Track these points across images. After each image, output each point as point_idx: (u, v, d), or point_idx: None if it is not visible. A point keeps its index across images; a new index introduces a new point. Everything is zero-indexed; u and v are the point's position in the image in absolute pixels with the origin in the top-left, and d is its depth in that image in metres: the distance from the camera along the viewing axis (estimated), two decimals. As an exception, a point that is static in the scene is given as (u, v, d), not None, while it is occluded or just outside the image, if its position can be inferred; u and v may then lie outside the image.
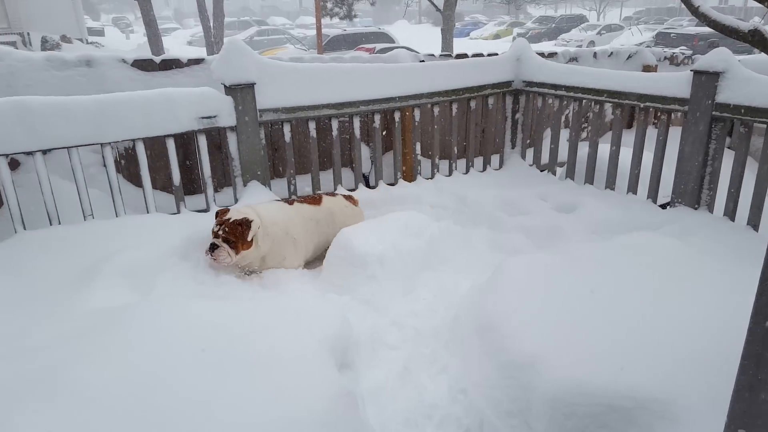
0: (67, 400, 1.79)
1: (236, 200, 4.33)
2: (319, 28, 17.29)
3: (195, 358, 2.11)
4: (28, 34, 16.91)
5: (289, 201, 3.81)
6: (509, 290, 2.79)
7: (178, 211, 4.09)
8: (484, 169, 5.45)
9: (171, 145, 3.92)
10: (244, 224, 3.31)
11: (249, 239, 3.32)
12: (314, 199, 3.93)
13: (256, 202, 4.27)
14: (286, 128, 4.41)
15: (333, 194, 4.07)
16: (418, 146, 5.06)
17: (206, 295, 3.17)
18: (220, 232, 3.30)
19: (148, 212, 3.95)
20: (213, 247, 3.30)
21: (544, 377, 2.15)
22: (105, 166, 3.81)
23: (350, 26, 29.94)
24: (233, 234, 3.28)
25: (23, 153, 3.42)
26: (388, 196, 4.78)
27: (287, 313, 2.60)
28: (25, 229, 3.53)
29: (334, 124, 4.59)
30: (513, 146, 5.56)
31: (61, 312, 2.78)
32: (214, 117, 3.96)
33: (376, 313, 3.25)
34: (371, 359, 2.86)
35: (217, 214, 3.43)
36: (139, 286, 3.10)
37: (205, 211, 4.18)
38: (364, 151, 5.55)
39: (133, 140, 3.75)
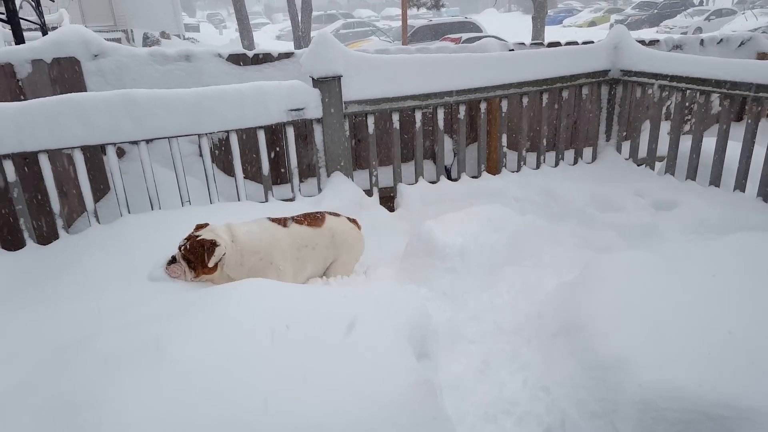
0: (168, 369, 1.96)
1: (320, 190, 4.49)
2: (404, 19, 17.36)
3: (281, 338, 2.24)
4: (131, 30, 18.20)
5: (285, 221, 3.37)
6: (600, 289, 2.72)
7: (266, 200, 4.29)
8: (575, 162, 5.31)
9: (261, 136, 4.12)
10: (208, 248, 2.98)
11: (210, 265, 2.99)
12: (315, 220, 3.47)
13: (338, 194, 4.42)
14: (370, 120, 4.50)
15: (337, 215, 3.63)
16: (504, 138, 5.01)
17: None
18: (182, 248, 3.02)
19: (239, 200, 4.17)
20: (172, 260, 3.06)
21: (633, 379, 2.10)
22: (201, 155, 4.08)
23: (436, 16, 29.82)
24: (193, 254, 2.99)
25: (129, 142, 3.72)
26: (470, 189, 4.77)
27: (368, 300, 2.68)
28: (129, 212, 3.85)
29: (418, 115, 4.63)
30: (608, 139, 5.36)
31: (161, 289, 3.03)
32: (302, 109, 4.12)
33: (455, 305, 3.27)
34: (449, 351, 2.90)
35: (196, 227, 3.14)
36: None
37: (291, 200, 4.37)
38: (447, 143, 5.56)
39: (227, 131, 3.98)
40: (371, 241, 4.29)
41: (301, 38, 19.54)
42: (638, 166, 5.15)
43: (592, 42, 5.74)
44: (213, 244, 2.97)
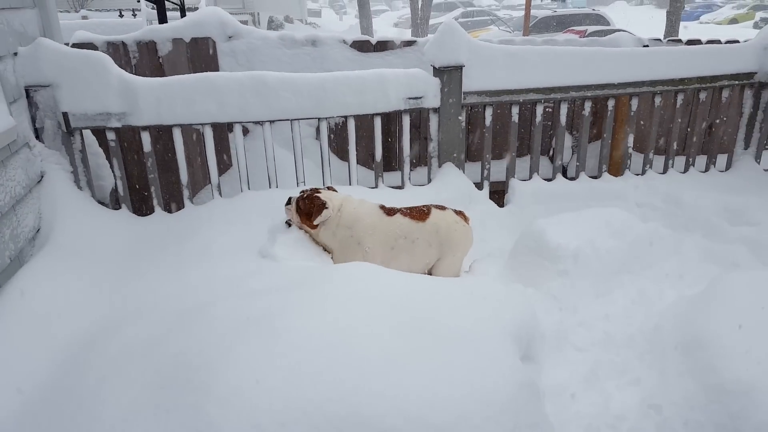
0: (281, 341, 2.06)
1: (429, 180, 4.51)
2: (528, 9, 16.89)
3: (385, 322, 2.28)
4: (258, 14, 19.13)
5: (393, 211, 3.40)
6: (727, 307, 2.53)
7: (376, 186, 4.38)
8: (707, 169, 4.93)
9: (378, 123, 4.20)
10: (318, 207, 3.24)
11: (315, 222, 3.25)
12: (420, 213, 3.42)
13: (447, 185, 4.41)
14: (488, 112, 4.44)
15: (443, 208, 3.54)
16: (630, 138, 4.75)
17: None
18: (299, 198, 3.32)
19: (350, 184, 4.29)
20: (288, 201, 3.39)
21: (760, 408, 1.94)
22: (318, 139, 4.23)
23: (561, 7, 28.69)
24: (304, 207, 3.28)
25: (255, 122, 3.93)
26: (588, 190, 4.58)
27: (473, 295, 2.66)
28: (249, 188, 4.08)
29: (539, 109, 4.51)
30: (746, 147, 4.93)
31: (273, 266, 3.20)
32: (420, 98, 4.15)
33: (564, 310, 3.17)
34: (555, 357, 2.82)
35: (326, 188, 3.51)
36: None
37: (400, 188, 4.42)
38: (567, 141, 5.37)
39: (345, 117, 4.09)
40: (477, 236, 4.24)
41: (420, 25, 19.60)
42: (779, 179, 4.71)
43: (737, 41, 5.28)
44: (322, 206, 3.23)
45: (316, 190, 3.35)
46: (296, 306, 2.38)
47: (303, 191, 3.35)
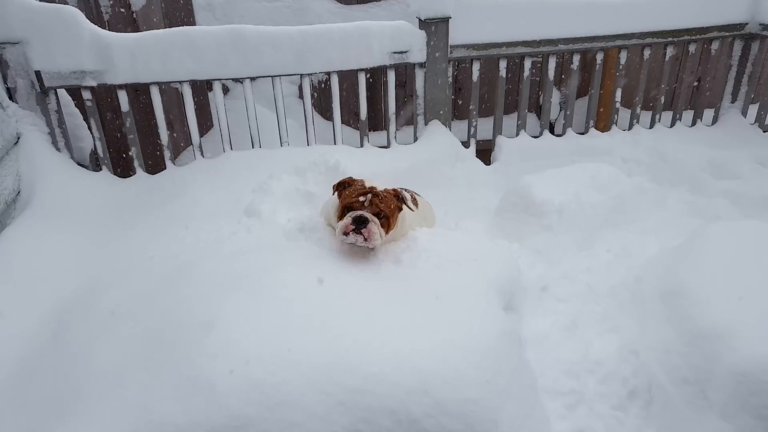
0: (268, 295, 2.16)
1: (416, 139, 4.57)
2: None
3: (370, 279, 2.39)
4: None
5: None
6: (707, 256, 2.65)
7: (362, 145, 4.44)
8: (694, 123, 5.03)
9: (362, 79, 4.23)
10: (400, 198, 2.62)
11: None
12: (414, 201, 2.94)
13: (434, 143, 4.47)
14: (475, 66, 4.48)
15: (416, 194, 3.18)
16: (618, 93, 4.82)
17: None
18: (369, 203, 2.49)
19: (335, 143, 4.34)
20: (362, 222, 2.42)
21: (733, 349, 2.08)
22: (301, 97, 4.26)
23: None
24: (387, 206, 2.52)
25: (234, 79, 3.95)
26: (575, 146, 4.67)
27: (459, 250, 2.77)
28: (232, 149, 4.13)
29: (527, 63, 4.54)
30: (733, 100, 5.02)
31: (257, 224, 3.27)
32: (405, 52, 4.17)
33: (548, 264, 3.30)
34: (537, 308, 2.95)
35: (342, 184, 2.68)
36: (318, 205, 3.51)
37: (386, 147, 4.48)
38: (554, 97, 5.44)
39: (329, 73, 4.11)
40: (464, 194, 4.35)
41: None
42: (765, 132, 4.83)
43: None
44: (399, 192, 2.63)
45: (369, 189, 2.58)
46: (283, 263, 2.47)
47: (352, 200, 2.52)
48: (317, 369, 1.84)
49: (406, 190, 3.07)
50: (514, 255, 3.17)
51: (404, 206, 2.64)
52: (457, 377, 1.91)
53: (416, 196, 3.14)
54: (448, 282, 2.44)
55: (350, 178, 2.70)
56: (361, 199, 2.50)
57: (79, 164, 3.89)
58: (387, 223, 2.52)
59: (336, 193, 2.70)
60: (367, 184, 2.60)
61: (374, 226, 2.44)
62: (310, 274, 2.32)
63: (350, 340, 1.97)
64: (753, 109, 5.02)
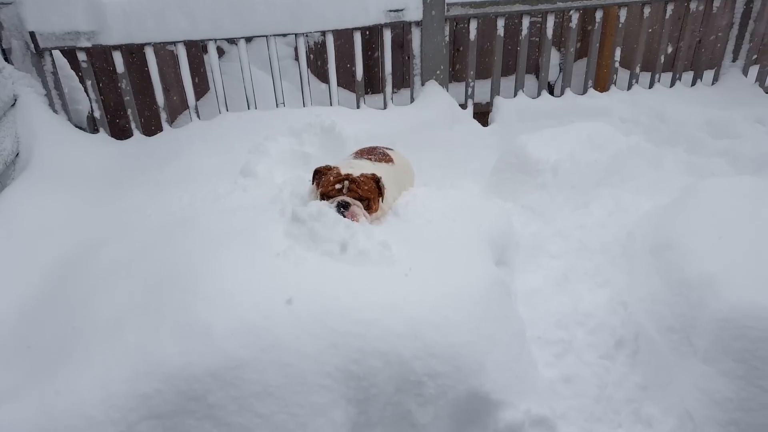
0: (263, 247, 2.22)
1: (412, 100, 4.58)
2: None
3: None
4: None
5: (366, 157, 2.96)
6: (697, 210, 2.70)
7: (358, 107, 4.46)
8: (694, 84, 5.03)
9: (357, 38, 4.22)
10: (378, 181, 2.61)
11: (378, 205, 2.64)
12: (385, 156, 3.02)
13: (430, 104, 4.49)
14: (473, 25, 4.46)
15: (387, 148, 3.17)
16: (617, 52, 4.80)
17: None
18: (346, 189, 2.51)
19: (331, 104, 4.37)
20: (344, 206, 2.47)
21: (717, 297, 2.14)
22: (297, 59, 4.27)
23: None
24: (369, 191, 2.54)
25: (229, 40, 3.96)
26: (574, 106, 4.68)
27: (453, 207, 2.83)
28: (227, 110, 4.16)
29: (525, 22, 4.52)
30: (734, 59, 5.01)
31: (253, 183, 3.33)
32: (401, 10, 4.16)
33: (542, 221, 3.35)
34: (529, 263, 3.02)
35: (318, 173, 2.71)
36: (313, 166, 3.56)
37: (383, 109, 4.50)
38: (553, 58, 5.42)
39: (324, 32, 4.11)
40: (460, 156, 4.38)
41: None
42: (766, 92, 4.82)
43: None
44: (379, 178, 2.62)
45: (346, 175, 2.57)
46: (277, 218, 2.53)
47: (336, 189, 2.53)
48: (310, 314, 1.91)
49: (383, 148, 3.14)
50: (507, 211, 3.22)
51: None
52: (445, 323, 1.98)
53: (389, 152, 3.11)
54: (441, 235, 2.50)
55: (326, 166, 2.70)
56: (338, 186, 2.52)
57: (76, 127, 3.93)
58: (368, 205, 2.55)
59: (314, 182, 2.72)
60: (343, 171, 2.59)
61: (356, 208, 2.49)
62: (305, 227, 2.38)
63: (343, 289, 2.04)
64: (754, 70, 5.01)
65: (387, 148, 3.19)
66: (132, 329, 1.89)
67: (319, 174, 2.69)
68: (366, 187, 2.53)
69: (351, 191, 2.50)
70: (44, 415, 1.65)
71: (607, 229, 3.24)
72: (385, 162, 2.96)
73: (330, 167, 2.68)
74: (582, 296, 2.76)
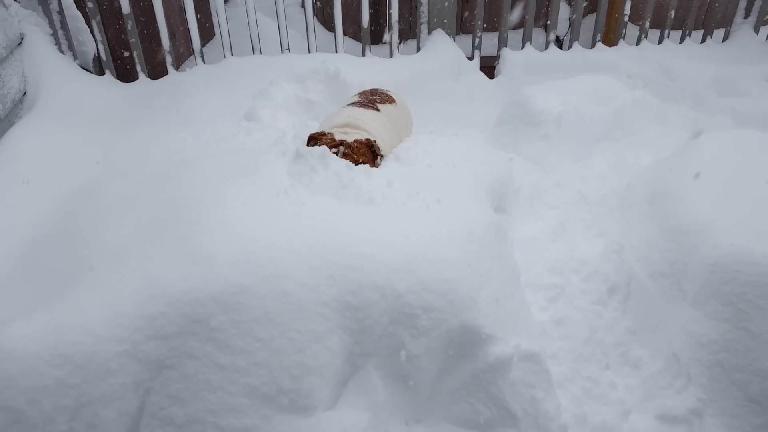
0: (265, 184, 2.26)
1: (418, 49, 4.56)
2: None
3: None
4: None
5: (369, 103, 2.93)
6: (695, 161, 2.72)
7: (364, 55, 4.44)
8: (704, 40, 4.97)
9: (364, -16, 4.18)
10: (371, 145, 2.61)
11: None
12: (387, 97, 3.03)
13: (437, 53, 4.46)
14: (481, -25, 4.41)
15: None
16: (627, 5, 4.74)
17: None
18: (342, 155, 2.50)
19: (336, 52, 4.35)
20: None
21: (708, 242, 2.19)
22: (303, 6, 4.23)
23: None
24: (361, 156, 2.54)
25: (235, -17, 3.93)
26: (581, 60, 4.65)
27: (453, 153, 2.86)
28: (232, 55, 4.15)
29: (534, -27, 4.47)
30: (746, 16, 4.93)
31: (257, 127, 3.36)
32: (408, -43, 4.11)
33: (542, 172, 3.39)
34: (527, 212, 3.07)
35: (312, 139, 2.67)
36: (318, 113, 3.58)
37: (389, 57, 4.48)
38: (563, 12, 5.35)
39: (330, -23, 4.08)
40: (465, 107, 4.38)
41: None
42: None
43: None
44: (373, 143, 2.63)
45: (340, 141, 2.57)
46: (280, 158, 2.57)
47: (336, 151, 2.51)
48: (308, 247, 1.97)
49: (384, 90, 3.14)
50: (506, 159, 3.24)
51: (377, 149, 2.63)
52: (440, 259, 2.03)
53: (390, 93, 3.11)
54: (440, 179, 2.54)
55: (320, 132, 2.68)
56: (333, 151, 2.50)
57: (82, 68, 3.95)
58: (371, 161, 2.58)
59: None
60: (337, 137, 2.59)
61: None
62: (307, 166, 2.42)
63: (342, 226, 2.09)
64: (766, 29, 4.95)
65: (384, 91, 3.18)
66: (137, 256, 1.96)
67: (314, 140, 2.67)
68: (361, 152, 2.55)
69: (346, 156, 2.50)
70: (53, 331, 1.73)
71: (607, 182, 3.28)
72: (388, 102, 3.00)
73: (324, 133, 2.66)
74: (578, 245, 2.82)
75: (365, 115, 2.82)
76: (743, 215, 2.28)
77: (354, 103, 2.96)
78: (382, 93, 3.09)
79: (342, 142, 2.56)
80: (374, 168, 2.60)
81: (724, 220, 2.27)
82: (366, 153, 2.59)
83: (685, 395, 2.12)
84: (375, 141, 2.64)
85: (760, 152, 2.69)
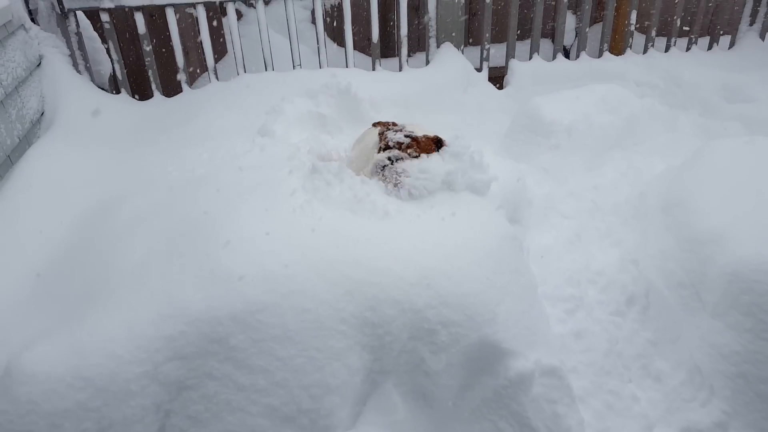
0: (281, 201, 2.23)
1: (428, 62, 4.52)
2: None
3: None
4: None
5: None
6: (709, 169, 2.67)
7: (374, 69, 4.41)
8: (710, 47, 4.91)
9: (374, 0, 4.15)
10: (438, 141, 2.54)
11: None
12: (429, 144, 2.56)
13: (446, 66, 4.42)
14: (488, -12, 4.38)
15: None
16: (633, 15, 4.68)
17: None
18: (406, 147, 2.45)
19: (347, 66, 4.32)
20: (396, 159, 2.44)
21: (726, 252, 2.13)
22: (314, 22, 4.21)
23: None
24: (426, 147, 2.47)
25: (247, 2, 3.91)
26: (589, 70, 4.60)
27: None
28: (245, 72, 4.13)
29: (540, -15, 4.43)
30: (752, 23, 4.87)
31: (270, 143, 3.33)
32: (417, -28, 4.08)
33: (554, 182, 3.33)
34: (542, 222, 3.01)
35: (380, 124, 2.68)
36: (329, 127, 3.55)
37: (399, 71, 4.45)
38: (569, 23, 5.31)
39: (341, -6, 4.06)
40: (475, 119, 4.33)
41: None
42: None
43: None
44: (440, 139, 2.57)
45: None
46: (295, 174, 2.53)
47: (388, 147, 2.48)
48: (326, 262, 1.92)
49: (418, 137, 2.64)
50: (520, 171, 3.19)
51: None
52: (458, 273, 1.98)
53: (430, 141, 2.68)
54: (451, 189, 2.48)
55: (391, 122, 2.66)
56: (392, 145, 2.48)
57: (99, 87, 3.94)
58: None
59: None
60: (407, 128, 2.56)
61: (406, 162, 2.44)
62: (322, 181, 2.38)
63: (359, 241, 2.05)
64: (772, 34, 4.89)
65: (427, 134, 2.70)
66: (156, 276, 1.92)
67: (381, 125, 2.68)
68: (423, 147, 2.49)
69: (410, 147, 2.46)
70: (75, 354, 1.69)
71: (620, 190, 3.22)
72: (426, 153, 2.52)
73: (395, 123, 2.65)
74: (594, 255, 2.76)
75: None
76: (757, 222, 2.22)
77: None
78: (422, 140, 2.55)
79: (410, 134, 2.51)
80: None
81: (740, 229, 2.21)
82: (431, 146, 2.51)
83: (709, 408, 2.05)
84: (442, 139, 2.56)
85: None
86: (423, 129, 2.63)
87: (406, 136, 2.52)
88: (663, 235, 2.53)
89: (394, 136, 2.54)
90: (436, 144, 2.55)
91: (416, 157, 2.46)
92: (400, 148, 2.49)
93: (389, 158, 2.46)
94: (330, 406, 1.78)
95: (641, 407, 2.13)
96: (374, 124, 2.77)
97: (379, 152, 2.55)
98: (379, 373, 1.92)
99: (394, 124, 2.68)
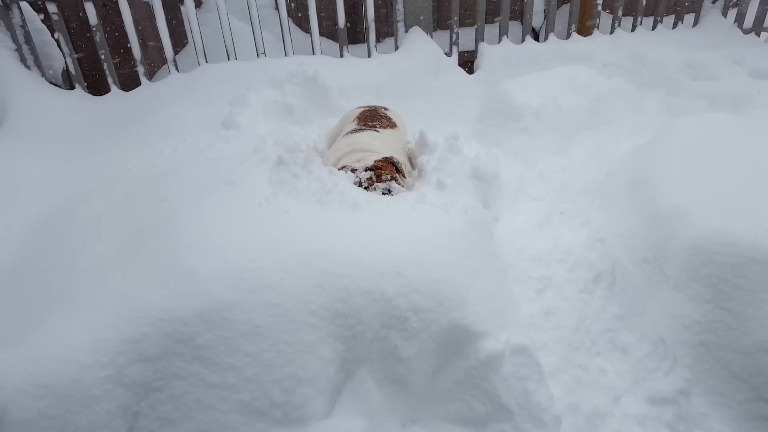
0: (246, 195, 2.21)
1: (396, 47, 4.51)
2: None
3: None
4: None
5: (371, 125, 2.86)
6: (673, 146, 2.73)
7: (341, 55, 4.38)
8: (675, 26, 4.99)
9: (336, -16, 4.13)
10: (394, 163, 2.57)
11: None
12: (388, 121, 2.93)
13: (415, 51, 4.41)
14: (452, -30, 4.38)
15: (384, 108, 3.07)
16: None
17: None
18: (376, 178, 2.45)
19: (313, 54, 4.29)
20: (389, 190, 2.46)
21: (687, 226, 2.20)
22: (277, 8, 4.16)
23: None
24: (389, 172, 2.50)
25: (205, -11, 3.85)
26: (557, 51, 4.64)
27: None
28: (207, 62, 4.07)
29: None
30: (714, 1, 4.97)
31: (234, 135, 3.30)
32: (379, -45, 4.06)
33: (524, 165, 3.37)
34: (512, 206, 3.05)
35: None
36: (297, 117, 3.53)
37: (367, 57, 4.43)
38: (538, 4, 5.34)
39: (301, -21, 4.01)
40: (446, 104, 4.35)
41: None
42: (744, 33, 4.81)
43: None
44: (395, 162, 2.57)
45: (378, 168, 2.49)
46: (261, 167, 2.51)
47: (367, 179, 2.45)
48: (294, 256, 1.92)
49: (382, 109, 3.04)
50: (490, 156, 3.21)
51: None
52: (427, 260, 2.00)
53: (389, 114, 3.06)
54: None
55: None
56: (370, 176, 2.45)
57: (52, 83, 3.84)
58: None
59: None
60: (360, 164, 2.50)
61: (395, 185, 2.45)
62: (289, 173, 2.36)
63: (326, 231, 2.05)
64: (734, 11, 4.98)
65: (383, 108, 3.11)
66: (116, 276, 1.90)
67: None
68: (387, 170, 2.49)
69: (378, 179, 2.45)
70: (32, 361, 1.67)
71: (588, 171, 3.27)
72: (390, 128, 2.88)
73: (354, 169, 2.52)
74: (563, 236, 2.80)
75: (364, 137, 2.71)
76: (718, 197, 2.29)
77: (353, 131, 2.81)
78: (382, 116, 2.96)
79: (373, 168, 2.46)
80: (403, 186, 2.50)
81: (703, 204, 2.27)
82: (391, 170, 2.51)
83: (673, 377, 2.14)
84: (393, 158, 2.55)
85: (733, 135, 2.69)
86: (372, 150, 2.60)
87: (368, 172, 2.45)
88: (628, 213, 2.59)
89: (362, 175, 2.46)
90: (394, 165, 2.54)
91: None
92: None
93: (383, 193, 2.42)
94: (302, 398, 1.79)
95: (609, 379, 2.20)
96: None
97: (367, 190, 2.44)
98: (353, 362, 1.94)
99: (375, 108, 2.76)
